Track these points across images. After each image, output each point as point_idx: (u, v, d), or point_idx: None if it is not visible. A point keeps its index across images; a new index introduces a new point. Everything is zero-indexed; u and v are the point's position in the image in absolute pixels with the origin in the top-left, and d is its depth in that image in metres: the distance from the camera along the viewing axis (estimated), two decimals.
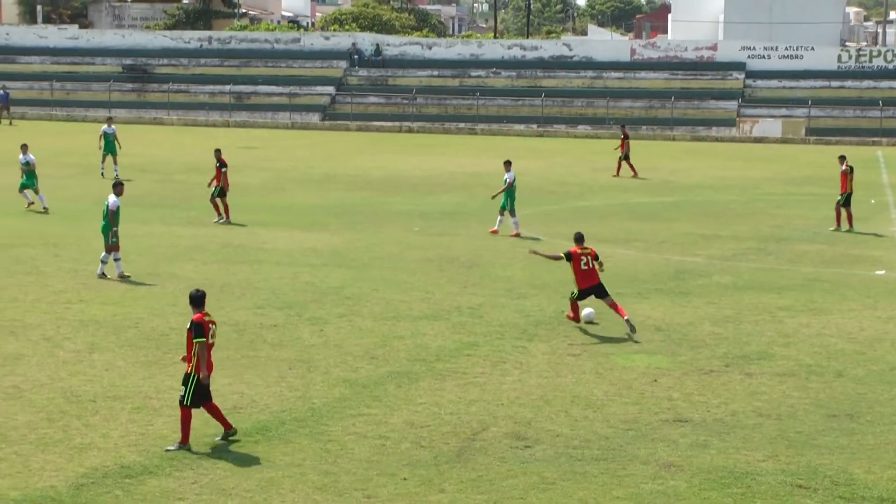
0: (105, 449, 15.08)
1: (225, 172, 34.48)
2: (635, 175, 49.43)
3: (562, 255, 22.38)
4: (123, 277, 25.66)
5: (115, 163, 45.96)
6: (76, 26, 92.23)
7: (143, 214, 35.19)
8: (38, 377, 18.10)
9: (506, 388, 18.19)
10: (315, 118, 77.20)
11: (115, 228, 25.82)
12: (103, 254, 25.92)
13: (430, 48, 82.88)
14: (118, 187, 26.52)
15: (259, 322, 21.98)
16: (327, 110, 78.35)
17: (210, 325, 15.30)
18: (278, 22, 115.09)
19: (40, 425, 15.91)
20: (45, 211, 35.80)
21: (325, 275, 26.71)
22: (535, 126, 74.78)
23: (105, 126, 46.92)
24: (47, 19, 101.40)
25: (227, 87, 79.27)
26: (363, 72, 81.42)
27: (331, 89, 79.88)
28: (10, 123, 71.13)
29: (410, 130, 73.88)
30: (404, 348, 20.39)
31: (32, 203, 36.34)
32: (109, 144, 46.05)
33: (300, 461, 14.84)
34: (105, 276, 25.65)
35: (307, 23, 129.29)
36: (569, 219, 37.04)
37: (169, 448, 15.02)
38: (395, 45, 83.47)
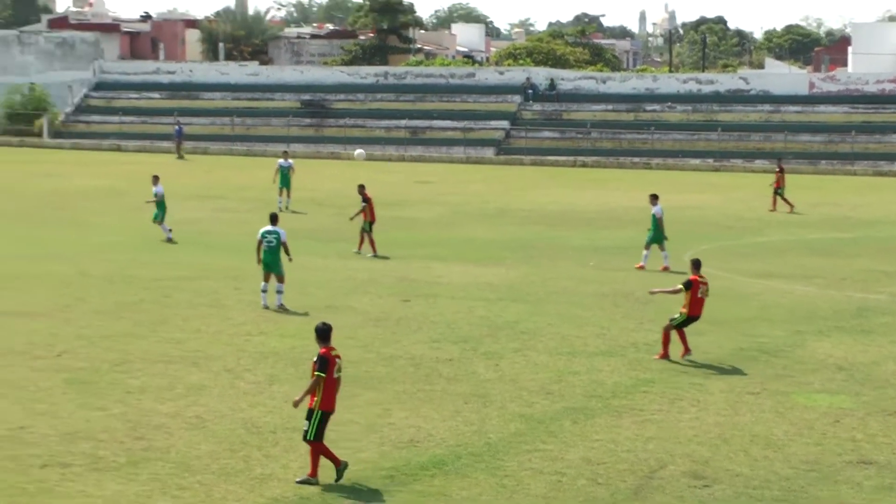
0: (285, 480, 15.36)
1: (369, 207, 35.10)
2: (791, 209, 48.40)
3: (681, 286, 22.38)
4: (283, 309, 26.25)
5: (289, 196, 46.93)
6: (256, 63, 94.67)
7: (321, 248, 35.79)
8: (220, 408, 18.55)
9: (683, 426, 17.97)
10: (489, 152, 77.58)
11: (290, 257, 26.59)
12: (262, 283, 26.57)
13: (604, 82, 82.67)
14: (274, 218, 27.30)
15: (435, 356, 22.15)
16: (501, 144, 78.68)
17: (335, 360, 15.35)
18: (453, 57, 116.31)
19: (222, 455, 16.29)
20: (171, 241, 36.68)
21: (500, 309, 26.79)
22: (711, 160, 73.84)
23: (281, 160, 48.03)
24: (229, 56, 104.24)
25: (403, 122, 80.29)
26: (537, 106, 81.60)
27: (505, 124, 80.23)
28: (182, 157, 73.30)
29: (585, 165, 73.69)
30: (580, 384, 20.32)
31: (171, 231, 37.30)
32: (285, 178, 47.12)
33: (476, 496, 14.89)
34: (268, 307, 26.24)
35: (482, 58, 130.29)
36: (746, 254, 36.49)
37: (299, 480, 15.21)
38: (569, 79, 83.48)
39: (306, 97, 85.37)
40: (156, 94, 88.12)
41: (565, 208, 49.03)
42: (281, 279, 26.55)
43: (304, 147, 77.93)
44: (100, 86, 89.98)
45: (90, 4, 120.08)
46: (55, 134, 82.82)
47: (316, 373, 15.20)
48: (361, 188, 35.98)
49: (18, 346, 22.00)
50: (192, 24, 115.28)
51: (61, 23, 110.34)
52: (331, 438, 17.03)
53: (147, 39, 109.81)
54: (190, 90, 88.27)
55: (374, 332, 24.18)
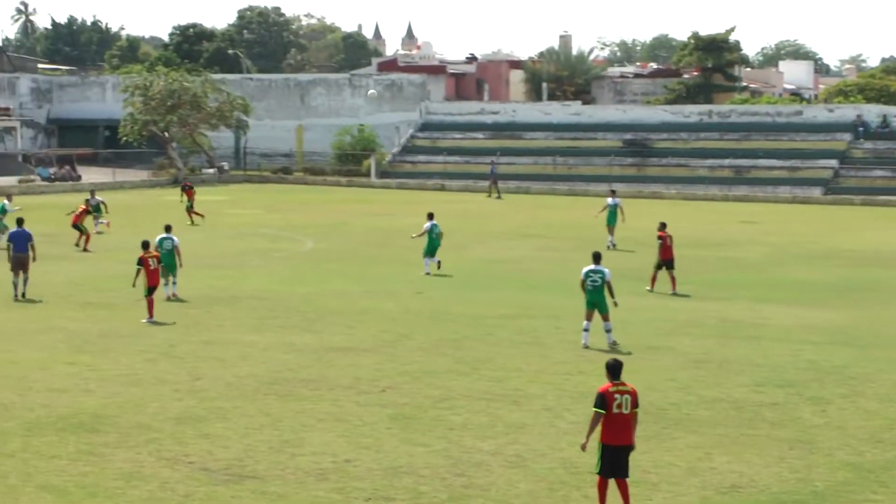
0: None
1: (662, 245, 35.23)
2: None
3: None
4: (615, 345, 26.19)
5: (612, 233, 46.93)
6: (579, 103, 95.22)
7: (642, 287, 35.58)
8: (540, 446, 18.64)
9: None
10: (816, 192, 75.35)
11: (615, 301, 26.46)
12: (585, 322, 26.56)
13: None
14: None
15: (758, 400, 21.62)
16: (830, 184, 76.30)
17: (614, 397, 15.14)
18: (780, 95, 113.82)
19: (541, 494, 16.35)
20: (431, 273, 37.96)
21: (827, 353, 25.92)
22: None
23: (609, 199, 48.24)
24: (552, 96, 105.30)
25: (727, 161, 79.07)
26: (869, 144, 78.81)
27: (834, 163, 77.81)
28: (498, 196, 74.39)
29: None
30: None
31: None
32: (612, 216, 47.23)
33: None
34: (588, 347, 26.23)
35: (810, 95, 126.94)
36: None
37: None
38: None
39: (628, 136, 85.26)
40: (479, 135, 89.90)
41: None
42: (606, 317, 26.53)
43: (625, 186, 77.51)
44: (426, 126, 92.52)
45: (418, 47, 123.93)
46: (382, 174, 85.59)
47: (594, 409, 15.20)
48: (662, 226, 36.07)
49: (345, 381, 22.76)
50: (516, 64, 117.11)
51: (390, 65, 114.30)
52: (652, 481, 16.84)
53: (472, 80, 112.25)
54: (513, 130, 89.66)
55: (695, 374, 23.81)
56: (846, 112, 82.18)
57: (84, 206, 47.85)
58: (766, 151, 79.95)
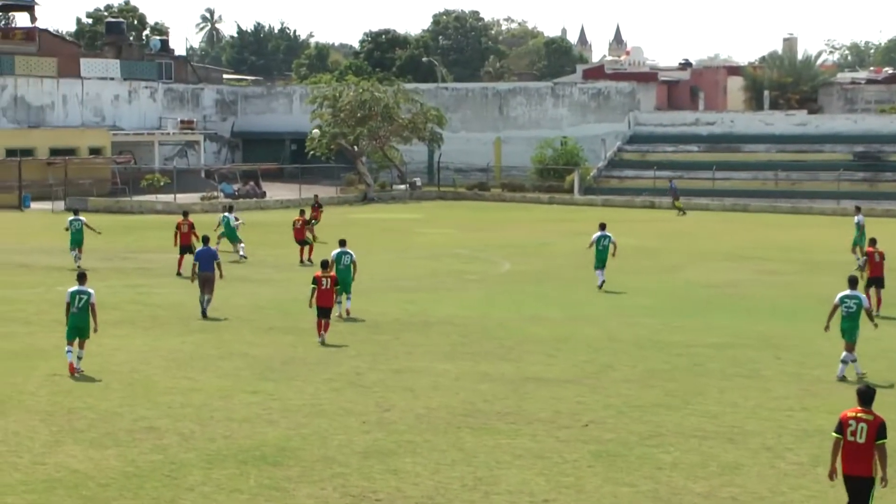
0: None
1: (869, 261, 35.57)
2: None
3: None
4: (860, 376, 25.63)
5: (858, 253, 46.06)
6: (804, 112, 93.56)
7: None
8: (758, 489, 18.27)
9: None
10: None
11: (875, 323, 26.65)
12: (844, 353, 26.03)
13: None
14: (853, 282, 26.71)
15: None
16: None
17: (849, 423, 15.28)
18: None
19: None
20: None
21: None
22: None
23: (857, 217, 47.82)
24: (774, 105, 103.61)
25: None
26: None
27: None
28: (683, 213, 73.56)
29: None
30: None
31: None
32: (862, 235, 46.64)
33: None
34: (845, 378, 25.66)
35: None
36: None
37: None
38: None
39: (859, 149, 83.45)
40: (693, 147, 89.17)
41: None
42: (849, 347, 26.09)
43: (855, 204, 75.87)
44: (634, 138, 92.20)
45: (627, 53, 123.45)
46: (586, 190, 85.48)
47: (833, 433, 15.46)
48: (871, 242, 36.90)
49: (544, 415, 22.70)
50: (734, 70, 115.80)
51: (596, 73, 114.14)
52: None
53: (686, 88, 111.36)
54: (730, 142, 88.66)
55: None
56: None
57: (302, 217, 49.13)
58: None
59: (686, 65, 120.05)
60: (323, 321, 30.22)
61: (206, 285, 34.09)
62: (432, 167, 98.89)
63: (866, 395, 15.49)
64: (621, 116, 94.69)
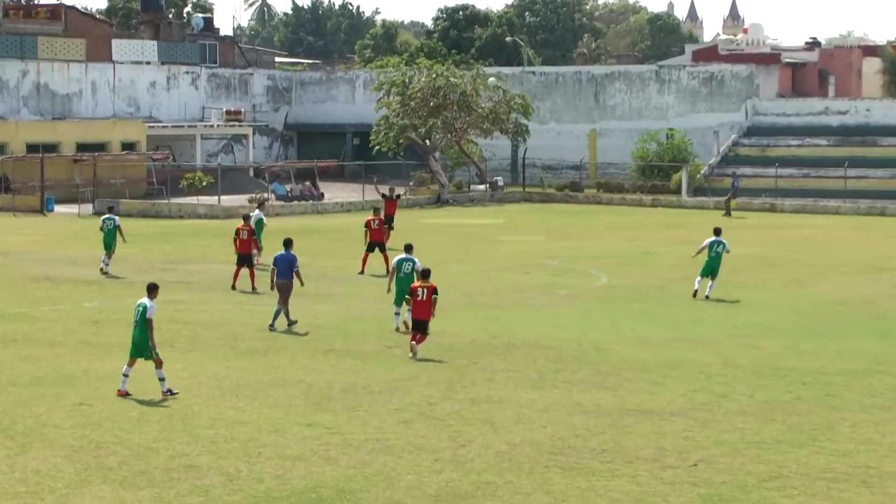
0: None
1: None
2: None
3: None
4: None
5: None
6: None
7: None
8: None
9: None
10: None
11: None
12: None
13: None
14: None
15: None
16: None
17: None
18: None
19: None
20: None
21: None
22: None
23: None
24: None
25: None
26: None
27: None
28: (728, 214, 73.14)
29: None
30: None
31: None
32: None
33: None
34: None
35: None
36: None
37: None
38: None
39: None
40: (822, 141, 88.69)
41: None
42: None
43: None
44: (752, 130, 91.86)
45: (744, 31, 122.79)
46: (696, 190, 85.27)
47: None
48: None
49: (646, 453, 22.62)
50: (871, 51, 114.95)
51: (709, 54, 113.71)
52: None
53: (814, 72, 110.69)
54: (866, 134, 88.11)
55: None
56: None
57: (379, 217, 49.65)
58: None
59: (814, 44, 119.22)
60: (418, 335, 31.55)
61: (283, 294, 35.36)
62: (516, 164, 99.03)
63: None
64: (737, 105, 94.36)
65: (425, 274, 32.08)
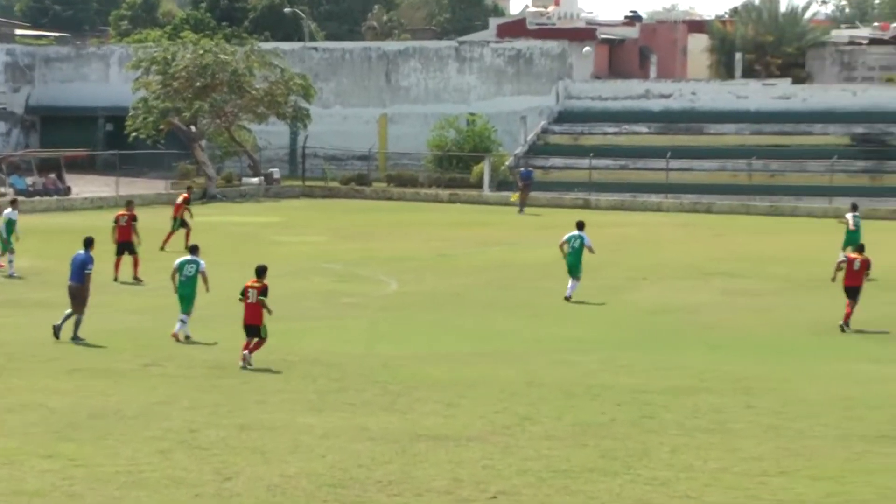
0: None
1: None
2: None
3: None
4: None
5: None
6: (789, 81, 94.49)
7: (874, 349, 35.23)
8: None
9: None
10: None
11: None
12: None
13: None
14: None
15: None
16: None
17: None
18: None
19: None
20: None
21: None
22: None
23: (850, 214, 49.30)
24: (748, 72, 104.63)
25: None
26: None
27: None
28: (521, 210, 74.73)
29: None
30: None
31: None
32: (853, 235, 47.60)
33: None
34: None
35: None
36: None
37: None
38: None
39: (859, 130, 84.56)
40: (643, 128, 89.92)
41: None
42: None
43: (852, 201, 76.47)
44: (564, 116, 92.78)
45: (556, 2, 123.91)
46: (500, 184, 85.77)
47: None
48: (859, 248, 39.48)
49: (439, 484, 22.68)
50: (697, 26, 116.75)
51: (516, 29, 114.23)
52: None
53: (634, 50, 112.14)
54: (691, 121, 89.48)
55: None
56: None
57: (131, 211, 49.80)
58: None
59: (634, 18, 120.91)
60: (253, 341, 32.73)
61: (74, 300, 35.57)
62: (295, 154, 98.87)
63: None
64: (548, 87, 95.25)
65: (260, 272, 33.03)
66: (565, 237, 44.29)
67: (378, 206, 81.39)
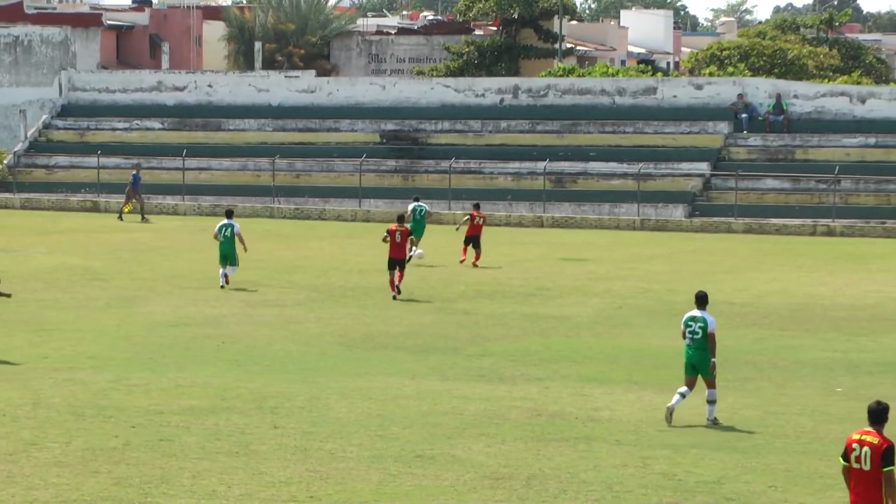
0: None
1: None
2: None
3: None
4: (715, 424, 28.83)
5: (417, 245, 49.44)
6: (313, 73, 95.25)
7: (405, 358, 35.98)
8: None
9: None
10: (678, 213, 77.03)
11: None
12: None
13: (863, 102, 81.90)
14: None
15: None
16: (697, 200, 78.12)
17: (853, 447, 17.76)
18: (623, 63, 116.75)
19: None
20: None
21: (692, 461, 26.57)
22: None
23: (413, 203, 51.72)
24: (270, 63, 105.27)
25: (541, 166, 79.89)
26: (756, 140, 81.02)
27: (704, 167, 79.74)
28: (143, 218, 74.25)
29: (831, 233, 73.01)
30: None
31: None
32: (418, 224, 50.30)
33: None
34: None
35: (668, 63, 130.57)
36: None
37: None
38: (807, 96, 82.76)
39: (390, 126, 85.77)
40: (156, 123, 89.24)
41: (799, 302, 48.57)
42: (709, 382, 29.17)
43: (384, 204, 77.65)
44: (69, 110, 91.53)
45: None
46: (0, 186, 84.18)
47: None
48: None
49: None
50: (213, 13, 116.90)
51: (14, 13, 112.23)
52: None
53: (143, 38, 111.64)
54: (208, 116, 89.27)
55: (492, 495, 24.11)
56: (722, 89, 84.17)
57: None
58: (602, 152, 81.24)
59: (144, 3, 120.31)
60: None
61: None
62: None
63: (876, 413, 17.76)
64: (50, 78, 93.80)
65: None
66: (217, 227, 49.69)
67: None
